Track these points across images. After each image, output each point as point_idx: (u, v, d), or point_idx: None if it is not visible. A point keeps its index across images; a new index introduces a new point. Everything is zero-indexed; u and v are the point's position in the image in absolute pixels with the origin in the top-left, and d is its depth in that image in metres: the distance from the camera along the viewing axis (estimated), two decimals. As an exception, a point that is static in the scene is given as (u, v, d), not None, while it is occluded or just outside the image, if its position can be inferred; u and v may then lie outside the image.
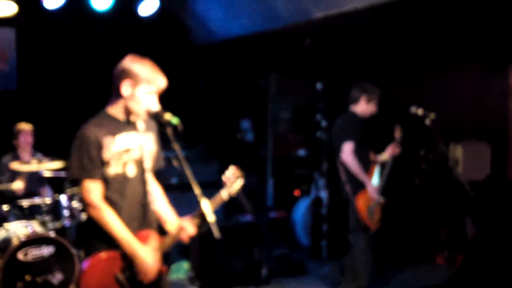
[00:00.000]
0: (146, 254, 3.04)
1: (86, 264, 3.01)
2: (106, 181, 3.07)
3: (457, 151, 6.66)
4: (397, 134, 5.25)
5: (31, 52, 7.15)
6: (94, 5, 6.60)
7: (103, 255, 3.02)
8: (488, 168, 6.66)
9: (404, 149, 5.32)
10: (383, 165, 5.26)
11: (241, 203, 3.45)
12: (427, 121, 5.10)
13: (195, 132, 8.17)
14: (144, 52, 3.20)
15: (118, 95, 3.10)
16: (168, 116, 3.06)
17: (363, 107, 5.28)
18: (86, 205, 3.07)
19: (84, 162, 3.01)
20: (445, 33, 6.55)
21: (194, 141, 7.65)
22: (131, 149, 3.13)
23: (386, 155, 5.25)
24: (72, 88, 7.27)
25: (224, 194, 3.31)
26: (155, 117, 3.13)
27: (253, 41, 7.84)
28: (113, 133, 3.08)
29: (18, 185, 5.72)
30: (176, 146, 3.03)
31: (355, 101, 5.29)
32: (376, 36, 6.96)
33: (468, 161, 6.61)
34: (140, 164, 3.17)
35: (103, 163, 3.05)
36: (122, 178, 3.11)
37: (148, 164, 3.18)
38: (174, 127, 3.04)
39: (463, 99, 6.84)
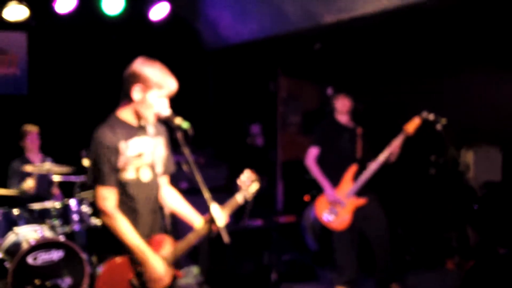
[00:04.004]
0: (158, 262, 3.02)
1: (101, 269, 2.99)
2: (123, 186, 3.06)
3: (468, 156, 6.61)
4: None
5: (42, 57, 7.16)
6: (105, 9, 6.60)
7: (117, 260, 3.01)
8: (499, 173, 6.60)
9: (415, 153, 5.28)
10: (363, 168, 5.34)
11: (247, 208, 3.42)
12: (438, 126, 5.09)
13: (204, 136, 8.17)
14: (154, 56, 3.18)
15: (128, 99, 3.06)
16: (178, 121, 3.03)
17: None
18: (99, 212, 3.04)
19: (100, 168, 2.99)
20: (456, 37, 6.50)
21: (203, 145, 7.64)
22: (143, 154, 3.12)
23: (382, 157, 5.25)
24: (83, 93, 7.28)
25: (239, 198, 3.30)
26: (166, 121, 3.11)
27: (263, 45, 7.83)
28: (126, 138, 3.06)
29: (29, 184, 5.74)
30: (186, 151, 3.00)
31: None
32: (386, 40, 6.93)
33: (479, 166, 6.56)
34: (153, 168, 3.15)
35: (119, 169, 3.03)
36: (136, 183, 3.10)
37: (160, 169, 3.16)
38: (185, 132, 3.02)
39: (474, 104, 6.78)
